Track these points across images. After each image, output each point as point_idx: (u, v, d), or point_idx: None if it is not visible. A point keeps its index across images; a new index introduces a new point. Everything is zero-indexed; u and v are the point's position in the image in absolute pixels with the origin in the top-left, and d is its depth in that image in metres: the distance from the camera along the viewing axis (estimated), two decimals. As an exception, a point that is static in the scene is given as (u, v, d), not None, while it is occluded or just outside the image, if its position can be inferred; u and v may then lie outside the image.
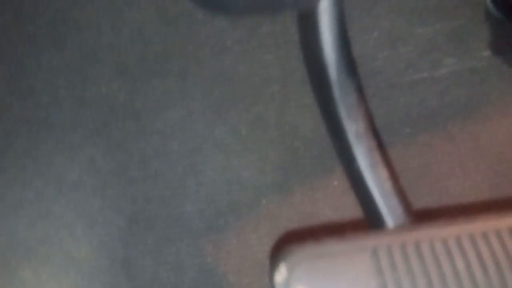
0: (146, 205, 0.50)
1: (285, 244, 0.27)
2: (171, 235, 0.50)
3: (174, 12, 0.53)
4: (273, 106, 0.53)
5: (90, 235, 0.46)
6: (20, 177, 0.47)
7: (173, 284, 0.47)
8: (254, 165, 0.52)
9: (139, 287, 0.46)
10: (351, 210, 0.53)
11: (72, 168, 0.48)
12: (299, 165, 0.52)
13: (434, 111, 0.51)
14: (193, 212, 0.51)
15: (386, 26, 0.50)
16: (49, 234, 0.45)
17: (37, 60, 0.51)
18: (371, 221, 0.32)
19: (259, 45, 0.51)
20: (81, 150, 0.49)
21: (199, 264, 0.48)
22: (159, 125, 0.51)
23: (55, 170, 0.47)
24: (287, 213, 0.52)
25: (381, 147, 0.34)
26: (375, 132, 0.32)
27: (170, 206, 0.50)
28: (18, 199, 0.46)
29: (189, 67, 0.52)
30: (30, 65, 0.51)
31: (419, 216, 0.30)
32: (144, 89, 0.51)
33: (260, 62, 0.52)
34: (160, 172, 0.50)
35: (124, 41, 0.52)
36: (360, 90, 0.32)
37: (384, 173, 0.31)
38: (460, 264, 0.25)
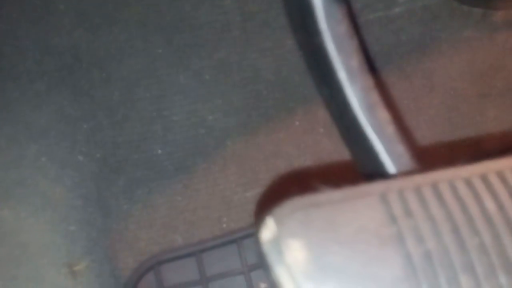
0: (115, 150, 0.51)
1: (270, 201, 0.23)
2: (142, 177, 0.52)
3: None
4: (235, 51, 0.53)
5: (62, 177, 0.47)
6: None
7: (146, 221, 0.50)
8: (219, 108, 0.54)
9: (114, 224, 0.48)
10: (312, 148, 0.56)
11: (41, 115, 0.49)
12: (261, 108, 0.54)
13: (389, 49, 0.52)
14: (162, 155, 0.52)
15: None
16: (24, 176, 0.46)
17: (-2, 12, 0.51)
18: (371, 172, 0.26)
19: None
20: (48, 98, 0.50)
21: (170, 202, 0.51)
22: (124, 73, 0.52)
23: (24, 117, 0.48)
24: (252, 153, 0.54)
25: (380, 84, 0.27)
26: (371, 68, 0.26)
27: (139, 150, 0.52)
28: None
29: (149, 15, 0.52)
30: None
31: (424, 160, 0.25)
32: (106, 37, 0.51)
33: (219, 7, 0.52)
34: (127, 118, 0.52)
35: None
36: (350, 18, 0.26)
37: (384, 115, 0.26)
38: (490, 205, 0.21)
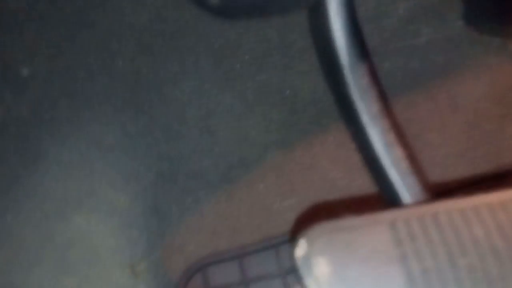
0: (170, 162, 0.58)
1: (304, 225, 0.27)
2: (192, 186, 0.58)
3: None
4: (275, 74, 0.59)
5: (127, 187, 0.54)
6: (67, 143, 0.55)
7: (195, 227, 0.56)
8: (260, 125, 0.60)
9: (168, 229, 0.55)
10: (345, 162, 0.61)
11: (108, 133, 0.56)
12: (299, 124, 0.60)
13: (416, 74, 0.57)
14: (209, 167, 0.59)
15: (372, 2, 0.56)
16: (95, 188, 0.54)
17: (72, 41, 0.59)
18: (388, 199, 0.31)
19: (260, 20, 0.58)
20: (114, 118, 0.57)
21: (216, 210, 0.57)
22: (177, 94, 0.59)
23: (94, 135, 0.56)
24: (289, 165, 0.60)
25: (396, 126, 0.32)
26: (389, 112, 0.32)
27: (189, 162, 0.59)
28: (67, 161, 0.54)
29: (200, 43, 0.59)
30: (66, 45, 0.59)
31: (438, 193, 0.30)
32: (163, 63, 0.59)
33: (262, 36, 0.59)
34: (179, 134, 0.59)
35: (144, 22, 0.59)
36: (372, 72, 0.32)
37: (400, 152, 0.31)
38: (479, 232, 0.24)
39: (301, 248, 0.25)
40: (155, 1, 0.58)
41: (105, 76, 0.58)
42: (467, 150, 0.57)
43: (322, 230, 0.25)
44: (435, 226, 0.25)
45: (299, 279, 0.26)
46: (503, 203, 0.26)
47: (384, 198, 0.31)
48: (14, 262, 0.51)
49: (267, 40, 0.59)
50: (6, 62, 0.58)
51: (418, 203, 0.30)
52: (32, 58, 0.58)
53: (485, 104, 0.57)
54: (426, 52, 0.56)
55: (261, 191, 0.58)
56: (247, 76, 0.59)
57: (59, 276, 0.50)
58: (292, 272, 0.52)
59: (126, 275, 0.51)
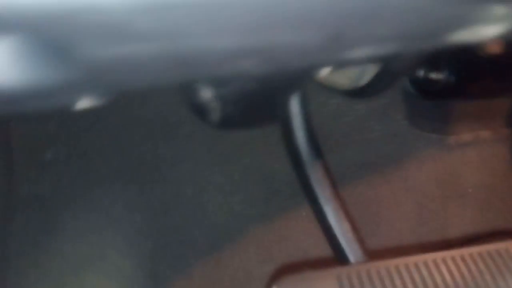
0: (166, 232, 0.68)
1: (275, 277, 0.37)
2: (184, 254, 0.68)
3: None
4: (257, 158, 0.71)
5: (130, 254, 0.63)
6: (81, 214, 0.65)
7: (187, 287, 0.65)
8: (244, 201, 0.70)
9: (162, 290, 0.64)
10: (315, 233, 0.71)
11: (115, 207, 0.66)
12: (277, 201, 0.70)
13: (372, 161, 0.70)
14: (199, 237, 0.68)
15: (334, 103, 0.69)
16: (104, 253, 0.63)
17: (88, 131, 0.71)
18: (338, 257, 0.43)
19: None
20: (120, 194, 0.67)
21: (204, 274, 0.65)
22: (175, 174, 0.70)
23: (104, 208, 0.65)
24: (269, 236, 0.69)
25: (344, 206, 0.45)
26: (338, 195, 0.44)
27: (182, 233, 0.68)
28: (81, 230, 0.64)
29: (196, 132, 0.72)
30: (83, 135, 0.71)
31: (375, 253, 0.42)
32: (165, 149, 0.71)
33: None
34: (175, 209, 0.69)
35: (149, 115, 0.71)
36: (325, 166, 0.45)
37: (347, 225, 0.43)
38: (398, 283, 0.34)
39: None
40: (158, 98, 0.71)
41: (116, 159, 0.70)
42: (417, 226, 0.68)
43: (289, 280, 0.35)
44: (368, 278, 0.35)
45: None
46: (416, 263, 0.35)
47: (337, 258, 0.42)
48: None
49: (249, 132, 0.71)
50: (32, 147, 0.69)
51: (358, 262, 0.41)
52: (54, 144, 0.70)
53: (430, 187, 0.69)
54: (379, 144, 0.68)
55: (244, 258, 0.67)
56: (234, 159, 0.71)
57: None
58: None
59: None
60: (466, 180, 0.69)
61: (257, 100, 0.31)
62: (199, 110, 0.34)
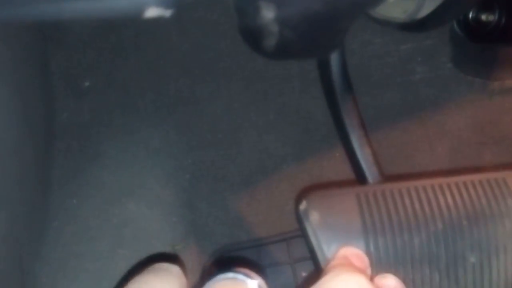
0: (202, 166, 0.69)
1: (304, 193, 0.42)
2: (219, 188, 0.69)
3: (223, 28, 0.71)
4: (293, 97, 0.71)
5: (168, 184, 0.65)
6: (121, 145, 0.66)
7: (221, 220, 0.67)
8: (278, 140, 0.71)
9: (199, 220, 0.66)
10: (347, 173, 0.72)
11: (154, 139, 0.67)
12: (311, 141, 0.70)
13: (411, 105, 0.68)
14: (234, 172, 0.70)
15: (378, 43, 0.67)
16: (144, 181, 0.64)
17: (126, 61, 0.70)
18: (358, 178, 0.47)
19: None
20: (159, 127, 0.68)
21: (238, 208, 0.68)
22: (211, 110, 0.70)
23: (142, 139, 0.67)
24: (301, 175, 0.70)
25: (366, 134, 0.48)
26: (363, 125, 0.48)
27: (218, 168, 0.70)
28: (121, 159, 0.66)
29: (232, 68, 0.70)
30: (121, 64, 0.70)
31: (391, 177, 0.45)
32: (201, 84, 0.70)
33: (284, 65, 0.70)
34: (212, 143, 0.70)
35: (187, 48, 0.70)
36: (354, 99, 0.48)
37: (369, 151, 0.47)
38: (407, 201, 0.39)
39: (302, 205, 0.40)
40: (196, 31, 0.69)
41: (153, 92, 0.69)
42: (449, 172, 0.68)
43: (316, 195, 0.41)
44: (382, 197, 0.40)
45: (300, 226, 0.40)
46: (425, 187, 0.40)
47: (358, 180, 0.47)
48: (79, 236, 0.62)
49: (287, 68, 0.70)
50: (70, 75, 0.69)
51: (375, 183, 0.45)
52: (92, 73, 0.70)
53: (467, 133, 0.68)
54: (420, 87, 0.67)
55: (276, 194, 0.69)
56: (270, 98, 0.70)
57: (115, 248, 0.62)
58: (300, 261, 0.62)
59: (167, 251, 0.62)
60: (504, 127, 0.68)
61: (319, 25, 0.31)
62: (255, 34, 0.33)
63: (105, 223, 0.62)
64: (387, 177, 0.47)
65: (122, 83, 0.69)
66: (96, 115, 0.67)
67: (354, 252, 0.36)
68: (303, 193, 0.41)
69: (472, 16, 0.64)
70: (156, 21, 0.70)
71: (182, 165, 0.67)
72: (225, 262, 0.63)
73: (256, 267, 0.64)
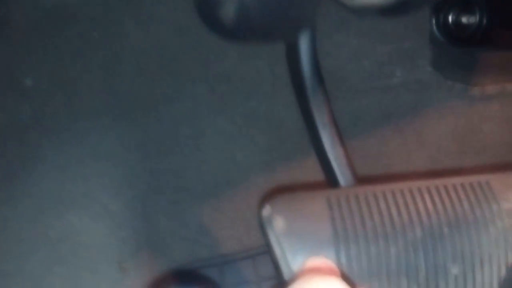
0: (160, 176, 0.62)
1: (268, 197, 0.38)
2: (179, 199, 0.62)
3: (186, 24, 0.66)
4: (264, 102, 0.65)
5: (118, 194, 0.58)
6: (65, 149, 0.58)
7: (180, 235, 0.60)
8: (247, 148, 0.65)
9: (154, 235, 0.58)
10: (321, 184, 0.66)
11: (104, 143, 0.59)
12: (282, 149, 0.65)
13: (388, 111, 0.64)
14: (197, 182, 0.63)
15: (354, 44, 0.63)
16: (89, 190, 0.57)
17: (75, 59, 0.63)
18: (330, 181, 0.44)
19: (253, 52, 0.64)
20: (111, 130, 0.61)
21: (200, 221, 0.61)
22: (173, 114, 0.63)
23: (90, 144, 0.59)
24: (271, 186, 0.65)
25: (339, 132, 0.46)
26: (335, 123, 0.45)
27: (178, 177, 0.63)
28: (64, 164, 0.57)
29: (197, 68, 0.64)
30: (69, 62, 0.63)
31: (365, 180, 0.42)
32: (161, 85, 0.63)
33: (254, 66, 0.65)
34: (171, 151, 0.63)
35: (145, 47, 0.64)
36: (326, 94, 0.45)
37: (341, 151, 0.44)
38: (382, 206, 0.36)
39: (266, 210, 0.36)
40: (157, 27, 0.63)
41: (105, 92, 0.62)
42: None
43: (281, 199, 0.37)
44: (355, 201, 0.36)
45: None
46: (402, 190, 0.37)
47: (329, 183, 0.44)
48: (10, 252, 0.53)
49: (258, 71, 0.65)
50: (11, 71, 0.61)
51: (348, 186, 0.42)
52: (36, 70, 0.62)
53: (446, 142, 0.65)
54: (397, 92, 0.63)
55: (243, 207, 0.62)
56: (238, 102, 0.64)
57: (51, 266, 0.53)
58: (267, 280, 0.56)
59: (113, 270, 0.54)
60: (485, 136, 0.64)
61: None
62: (211, 1, 0.30)
63: (39, 237, 0.54)
64: (361, 180, 0.44)
65: (70, 82, 0.61)
66: (38, 116, 0.59)
67: (323, 264, 0.32)
68: (267, 198, 0.37)
69: (452, 19, 0.61)
70: (112, 16, 0.63)
71: (136, 174, 0.59)
72: (183, 282, 0.56)
73: (218, 287, 0.57)
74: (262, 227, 0.36)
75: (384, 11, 0.44)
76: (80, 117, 0.61)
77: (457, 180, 0.37)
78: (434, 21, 0.61)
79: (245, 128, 0.64)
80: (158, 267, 0.57)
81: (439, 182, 0.38)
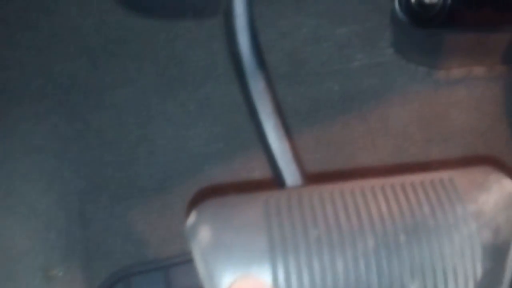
0: (101, 168, 0.56)
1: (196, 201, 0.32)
2: (123, 194, 0.56)
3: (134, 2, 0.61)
4: (219, 87, 0.60)
5: (49, 190, 0.51)
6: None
7: (123, 235, 0.54)
8: (200, 136, 0.60)
9: (92, 236, 0.52)
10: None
11: (37, 134, 0.53)
12: (238, 138, 0.60)
13: (351, 96, 0.60)
14: (144, 175, 0.57)
15: (313, 25, 0.59)
16: (14, 188, 0.50)
17: (9, 40, 0.57)
18: (276, 180, 0.38)
19: (207, 34, 0.59)
20: (45, 119, 0.55)
21: (146, 219, 0.55)
22: (116, 100, 0.58)
23: (21, 135, 0.53)
24: (226, 178, 0.59)
25: (285, 124, 0.39)
26: (281, 112, 0.39)
27: (123, 170, 0.57)
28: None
29: (145, 51, 0.59)
30: (2, 45, 0.57)
31: (316, 177, 0.37)
32: (104, 68, 0.58)
33: (208, 48, 0.60)
34: (115, 141, 0.57)
35: (88, 26, 0.58)
36: (267, 79, 0.39)
37: (287, 145, 0.38)
38: (329, 211, 0.30)
39: (191, 219, 0.31)
40: (101, 6, 0.58)
41: (41, 77, 0.56)
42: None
43: (210, 204, 0.31)
44: (298, 204, 0.31)
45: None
46: (353, 190, 0.32)
47: (276, 182, 0.38)
48: None
49: (212, 53, 0.60)
50: None
51: (291, 187, 0.36)
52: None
53: (412, 128, 0.61)
54: (360, 76, 0.59)
55: (196, 202, 0.57)
56: (190, 87, 0.59)
57: None
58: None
59: (37, 279, 0.47)
60: (452, 122, 0.61)
61: None
62: None
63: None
64: (311, 178, 0.38)
65: (1, 65, 0.55)
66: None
67: (255, 284, 0.27)
68: (195, 201, 0.33)
69: (414, -2, 0.58)
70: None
71: (72, 168, 0.53)
72: (125, 288, 0.50)
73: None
74: (187, 239, 0.30)
75: None
76: (11, 104, 0.54)
77: (416, 178, 0.33)
78: (396, 1, 0.58)
79: (198, 115, 0.59)
80: (97, 273, 0.50)
81: (396, 180, 0.33)
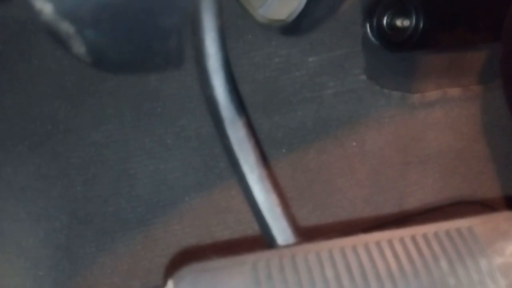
0: (85, 204, 0.58)
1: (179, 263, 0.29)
2: (108, 228, 0.59)
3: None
4: (194, 120, 0.62)
5: (37, 229, 0.54)
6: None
7: (109, 268, 0.56)
8: (179, 169, 0.61)
9: (80, 270, 0.55)
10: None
11: (21, 174, 0.56)
12: (216, 168, 0.62)
13: (325, 123, 0.61)
14: (126, 209, 0.60)
15: (284, 54, 0.59)
16: (2, 228, 0.53)
17: (-12, 82, 0.59)
18: (265, 238, 0.33)
19: (181, 68, 0.60)
20: (28, 159, 0.57)
21: (131, 251, 0.57)
22: (95, 137, 0.60)
23: (6, 176, 0.55)
24: (206, 207, 0.61)
25: (272, 175, 0.37)
26: (265, 162, 0.33)
27: (106, 205, 0.59)
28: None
29: (120, 87, 0.60)
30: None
31: (308, 234, 0.33)
32: (82, 107, 0.59)
33: (182, 82, 0.61)
34: (97, 176, 0.59)
35: (64, 67, 0.60)
36: (249, 125, 0.33)
37: (275, 199, 0.32)
38: (329, 273, 0.26)
39: None
40: (75, 46, 0.59)
41: (21, 118, 0.58)
42: (373, 194, 0.61)
43: (188, 271, 0.26)
44: (292, 266, 0.27)
45: None
46: (354, 247, 0.27)
47: (264, 239, 0.33)
48: None
49: (186, 87, 0.61)
50: None
51: (283, 245, 0.31)
52: None
53: (389, 152, 0.61)
54: (333, 103, 0.59)
55: (177, 232, 0.59)
56: (167, 120, 0.61)
57: None
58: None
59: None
60: (429, 144, 0.61)
61: (127, 18, 0.23)
62: (57, 38, 0.25)
63: None
64: (305, 233, 0.33)
65: (-18, 108, 0.57)
66: None
67: None
68: (173, 266, 0.29)
69: (386, 22, 0.58)
70: (26, 35, 0.59)
71: (57, 205, 0.56)
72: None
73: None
74: None
75: (286, 30, 0.39)
76: (-6, 148, 0.57)
77: (428, 228, 0.28)
78: (368, 26, 0.58)
79: (176, 148, 0.60)
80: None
81: (405, 232, 0.28)
